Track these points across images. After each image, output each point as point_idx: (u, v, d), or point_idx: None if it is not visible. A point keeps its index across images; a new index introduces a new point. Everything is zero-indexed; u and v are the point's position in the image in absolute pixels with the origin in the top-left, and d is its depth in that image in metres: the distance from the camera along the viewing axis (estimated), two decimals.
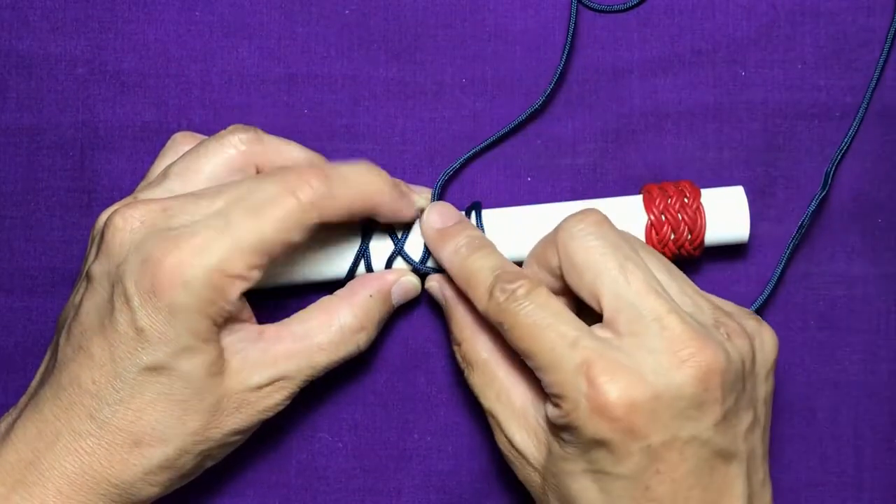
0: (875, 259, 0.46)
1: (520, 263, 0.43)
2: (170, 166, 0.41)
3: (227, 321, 0.38)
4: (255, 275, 0.38)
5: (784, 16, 0.46)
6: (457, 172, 0.46)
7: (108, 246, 0.38)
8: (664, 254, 0.43)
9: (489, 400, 0.41)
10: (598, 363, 0.36)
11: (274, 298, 0.44)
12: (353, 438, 0.45)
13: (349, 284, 0.43)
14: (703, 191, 0.43)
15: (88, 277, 0.39)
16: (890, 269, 0.46)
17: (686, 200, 0.43)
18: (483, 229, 0.43)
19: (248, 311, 0.40)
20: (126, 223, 0.38)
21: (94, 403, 0.37)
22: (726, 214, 0.43)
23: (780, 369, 0.46)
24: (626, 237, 0.39)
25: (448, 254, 0.41)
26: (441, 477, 0.45)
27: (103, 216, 0.39)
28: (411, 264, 0.43)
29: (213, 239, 0.37)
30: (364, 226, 0.43)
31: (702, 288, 0.46)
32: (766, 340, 0.39)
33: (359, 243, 0.43)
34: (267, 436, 0.45)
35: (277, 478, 0.45)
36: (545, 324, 0.37)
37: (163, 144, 0.43)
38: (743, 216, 0.43)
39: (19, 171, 0.46)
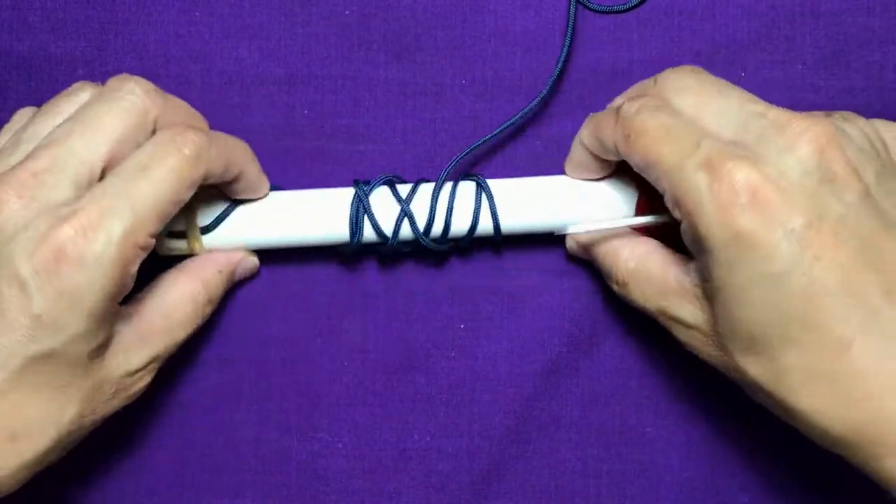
0: None
1: (522, 236, 0.43)
2: (34, 127, 0.38)
3: (119, 301, 0.37)
4: (153, 243, 0.37)
5: (784, 16, 0.46)
6: (456, 174, 0.46)
7: None
8: (656, 226, 0.43)
9: (652, 298, 0.40)
10: (717, 158, 0.35)
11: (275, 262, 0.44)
12: (353, 438, 0.46)
13: (197, 259, 0.43)
14: None
15: None
16: None
17: None
18: (486, 184, 0.43)
19: None
20: (3, 204, 0.35)
21: None
22: None
23: None
24: (716, 78, 0.39)
25: (584, 127, 0.42)
26: (441, 477, 0.45)
27: None
28: (416, 236, 0.43)
29: (113, 208, 0.35)
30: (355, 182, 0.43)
31: None
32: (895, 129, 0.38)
33: (350, 201, 0.43)
34: (267, 436, 0.45)
35: (277, 478, 0.45)
36: (671, 124, 0.37)
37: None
38: None
39: None
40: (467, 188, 0.43)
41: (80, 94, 0.40)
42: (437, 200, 0.43)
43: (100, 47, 0.46)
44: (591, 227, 0.42)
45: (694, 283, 0.38)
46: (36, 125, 0.39)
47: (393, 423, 0.46)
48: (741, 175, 0.34)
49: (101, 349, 0.37)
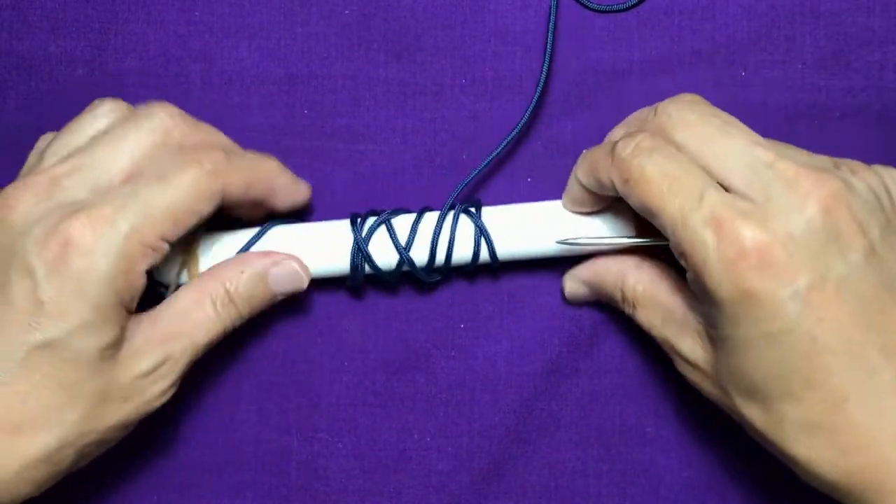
0: None
1: (518, 277, 0.43)
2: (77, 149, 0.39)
3: (129, 303, 0.37)
4: (165, 247, 0.38)
5: (784, 16, 0.46)
6: (455, 174, 0.46)
7: (2, 223, 0.37)
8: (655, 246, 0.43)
9: (657, 326, 0.41)
10: (724, 215, 0.35)
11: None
12: (353, 438, 0.46)
13: (228, 259, 0.42)
14: None
15: None
16: None
17: None
18: (484, 226, 0.43)
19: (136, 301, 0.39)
20: (19, 202, 0.37)
21: None
22: None
23: None
24: (718, 111, 0.39)
25: (579, 165, 0.41)
26: (441, 477, 0.45)
27: None
28: (416, 275, 0.43)
29: (125, 206, 0.37)
30: (353, 217, 0.43)
31: None
32: None
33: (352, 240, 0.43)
34: (267, 436, 0.45)
35: (277, 478, 0.45)
36: (671, 171, 0.37)
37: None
38: None
39: (20, 172, 0.46)
40: (467, 227, 0.43)
41: (99, 109, 0.40)
42: (436, 245, 0.43)
43: (100, 47, 0.46)
44: (590, 241, 0.42)
45: (697, 321, 0.39)
46: (58, 142, 0.40)
47: (393, 423, 0.46)
48: (749, 234, 0.35)
49: (109, 350, 0.37)
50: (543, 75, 0.45)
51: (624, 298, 0.43)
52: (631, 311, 0.42)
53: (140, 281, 0.37)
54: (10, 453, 0.36)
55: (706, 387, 0.39)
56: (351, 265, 0.43)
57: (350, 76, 0.46)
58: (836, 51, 0.46)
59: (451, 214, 0.43)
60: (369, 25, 0.46)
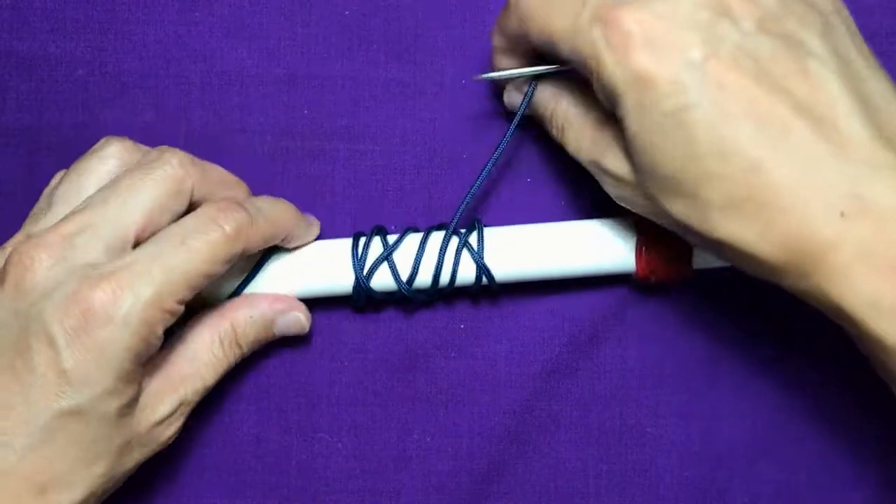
0: None
1: (518, 283, 0.43)
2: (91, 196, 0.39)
3: (146, 360, 0.38)
4: (181, 310, 0.38)
5: None
6: (455, 174, 0.46)
7: (17, 285, 0.36)
8: (655, 271, 0.43)
9: (584, 149, 0.40)
10: (605, 7, 0.35)
11: None
12: (353, 439, 0.46)
13: (238, 299, 0.43)
14: None
15: None
16: None
17: None
18: (483, 246, 0.43)
19: None
20: (34, 262, 0.36)
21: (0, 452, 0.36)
22: None
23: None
24: None
25: (494, 37, 0.42)
26: (441, 477, 0.45)
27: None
28: (399, 287, 0.43)
29: (146, 272, 0.36)
30: (355, 236, 0.43)
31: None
32: None
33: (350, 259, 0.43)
34: (267, 436, 0.45)
35: (277, 478, 0.45)
36: None
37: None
38: None
39: (19, 172, 0.46)
40: (469, 261, 0.43)
41: (106, 150, 0.40)
42: (438, 279, 0.43)
43: (100, 47, 0.46)
44: (509, 73, 0.42)
45: (617, 137, 0.38)
46: (66, 185, 0.40)
47: (393, 423, 0.46)
48: (630, 16, 0.34)
49: (129, 407, 0.37)
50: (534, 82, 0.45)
51: (553, 120, 0.42)
52: (558, 135, 0.42)
53: (157, 342, 0.38)
54: None
55: (637, 200, 0.38)
56: (353, 295, 0.43)
57: (350, 76, 0.46)
58: None
59: (452, 248, 0.43)
60: (369, 25, 0.46)
